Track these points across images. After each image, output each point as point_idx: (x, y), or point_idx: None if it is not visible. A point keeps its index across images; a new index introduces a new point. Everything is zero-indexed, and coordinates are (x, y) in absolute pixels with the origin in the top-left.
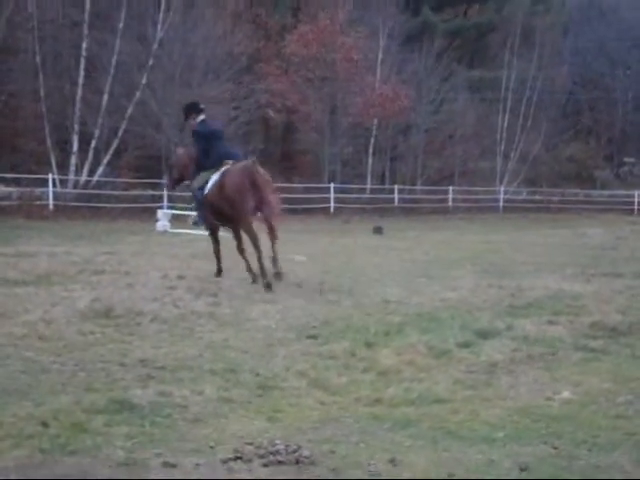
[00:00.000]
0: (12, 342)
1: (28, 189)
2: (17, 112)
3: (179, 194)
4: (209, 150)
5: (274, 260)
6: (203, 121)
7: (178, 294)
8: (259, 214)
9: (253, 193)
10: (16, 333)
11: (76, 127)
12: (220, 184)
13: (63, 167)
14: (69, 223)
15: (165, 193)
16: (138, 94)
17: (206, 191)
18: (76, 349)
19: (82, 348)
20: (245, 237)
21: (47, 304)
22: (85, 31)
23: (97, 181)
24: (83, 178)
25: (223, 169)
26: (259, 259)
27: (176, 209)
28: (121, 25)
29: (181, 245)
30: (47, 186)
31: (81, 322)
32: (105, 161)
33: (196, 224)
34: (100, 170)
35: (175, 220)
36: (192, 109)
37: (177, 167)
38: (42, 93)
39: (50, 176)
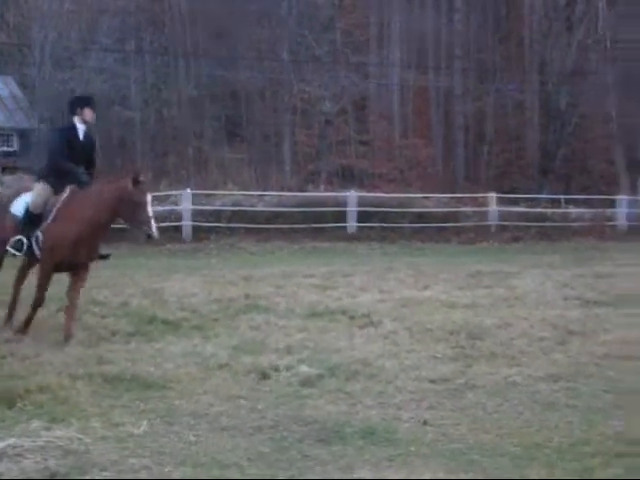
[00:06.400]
0: (593, 361)
1: (600, 210)
2: (587, 134)
3: None
4: None
5: None
6: None
7: None
8: None
9: None
10: (597, 352)
11: None
12: None
13: (633, 187)
14: None
15: None
16: None
17: None
18: None
19: None
20: None
21: (626, 325)
22: None
23: None
24: None
25: None
26: None
27: None
28: None
29: None
30: (618, 207)
31: None
32: None
33: None
34: None
35: None
36: None
37: None
38: (612, 114)
39: (621, 197)
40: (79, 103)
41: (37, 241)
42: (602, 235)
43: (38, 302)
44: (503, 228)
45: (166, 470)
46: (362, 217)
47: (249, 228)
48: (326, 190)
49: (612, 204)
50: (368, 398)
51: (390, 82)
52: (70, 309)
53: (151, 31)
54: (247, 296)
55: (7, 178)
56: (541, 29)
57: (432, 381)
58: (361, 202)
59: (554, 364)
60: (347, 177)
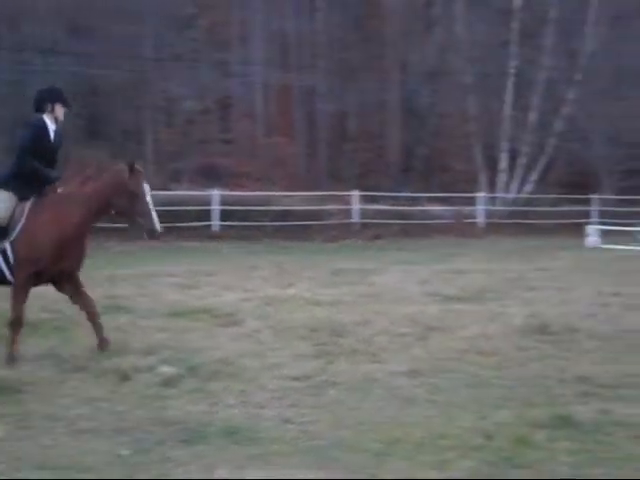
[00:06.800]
0: (454, 356)
1: (459, 207)
2: (447, 133)
3: (612, 209)
4: None
5: None
6: None
7: (613, 311)
8: None
9: None
10: (457, 347)
11: (504, 145)
12: None
13: (492, 185)
14: (499, 240)
15: (594, 209)
16: (566, 109)
17: None
18: (515, 364)
19: (520, 364)
20: None
21: (484, 320)
22: (513, 50)
23: (526, 198)
24: (512, 195)
25: None
26: None
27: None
28: (548, 41)
29: (613, 261)
30: (477, 204)
31: (518, 338)
32: (534, 178)
33: None
34: (528, 187)
35: (606, 236)
36: None
37: None
38: (471, 113)
39: (480, 194)
40: (49, 98)
41: (5, 256)
42: (462, 232)
43: (16, 321)
44: (365, 226)
45: (22, 475)
46: (225, 216)
47: (113, 227)
48: (189, 189)
49: (471, 202)
50: (230, 397)
51: (253, 81)
52: (93, 315)
53: (8, 26)
54: (109, 296)
55: None
56: (401, 29)
57: (294, 379)
58: (224, 201)
59: (414, 360)
60: (211, 176)
